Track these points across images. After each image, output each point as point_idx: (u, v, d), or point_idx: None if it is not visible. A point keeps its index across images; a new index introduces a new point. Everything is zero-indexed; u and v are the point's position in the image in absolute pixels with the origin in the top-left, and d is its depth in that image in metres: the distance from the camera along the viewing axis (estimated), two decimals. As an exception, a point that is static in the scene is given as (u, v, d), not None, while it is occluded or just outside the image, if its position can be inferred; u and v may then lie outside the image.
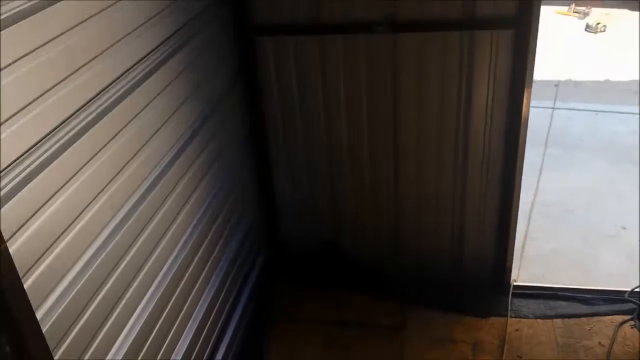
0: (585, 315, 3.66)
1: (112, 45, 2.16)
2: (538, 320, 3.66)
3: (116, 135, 2.21)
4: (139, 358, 2.41)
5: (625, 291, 3.74)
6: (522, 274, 4.10)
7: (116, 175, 2.23)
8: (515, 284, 3.90)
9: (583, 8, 9.18)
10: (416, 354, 3.50)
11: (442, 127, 3.48)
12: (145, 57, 2.39)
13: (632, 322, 3.58)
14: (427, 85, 3.36)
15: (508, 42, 3.16)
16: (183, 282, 2.80)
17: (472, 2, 3.09)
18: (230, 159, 3.39)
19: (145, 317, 2.45)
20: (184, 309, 2.84)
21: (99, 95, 2.10)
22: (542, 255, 4.33)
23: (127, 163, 2.30)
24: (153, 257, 2.51)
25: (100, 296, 2.14)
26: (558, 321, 3.65)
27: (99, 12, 2.06)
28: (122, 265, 2.28)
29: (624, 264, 4.20)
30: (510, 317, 3.69)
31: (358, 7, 3.20)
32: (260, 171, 3.84)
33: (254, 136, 3.71)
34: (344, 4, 3.21)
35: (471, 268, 3.91)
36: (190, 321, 2.93)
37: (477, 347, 3.51)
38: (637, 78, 7.05)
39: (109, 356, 2.21)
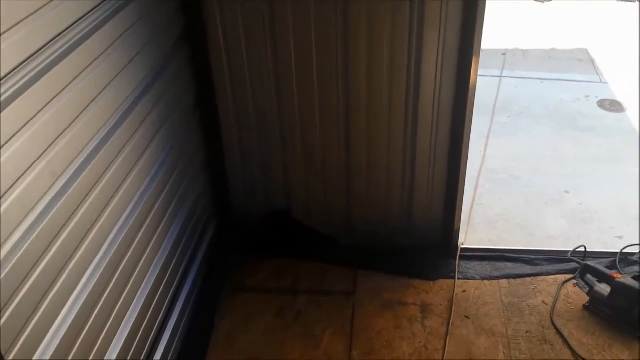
0: (530, 276, 3.78)
1: (48, 2, 2.04)
2: (484, 281, 3.76)
3: (54, 97, 2.10)
4: (85, 329, 2.35)
5: (568, 251, 3.89)
6: (470, 238, 4.21)
7: (55, 140, 2.13)
8: (462, 247, 3.99)
9: (530, -23, 9.31)
10: (367, 317, 3.56)
11: (392, 94, 3.48)
12: (84, 16, 2.27)
13: (574, 281, 3.73)
14: (378, 51, 3.34)
15: (457, 9, 3.16)
16: (130, 252, 2.74)
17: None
18: (178, 125, 3.31)
19: (91, 288, 2.38)
20: (132, 280, 2.78)
21: (34, 56, 1.98)
22: (488, 220, 4.45)
23: (67, 128, 2.19)
24: (97, 227, 2.43)
25: (39, 269, 2.06)
26: (504, 282, 3.76)
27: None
28: (64, 236, 2.20)
29: (567, 226, 4.37)
30: (458, 279, 3.78)
31: (307, -30, 3.14)
32: (209, 138, 3.77)
33: (202, 102, 3.63)
34: (293, -34, 3.14)
35: (421, 233, 3.97)
36: (140, 291, 2.88)
37: (425, 309, 3.60)
38: (582, 46, 7.25)
39: (51, 332, 2.14)
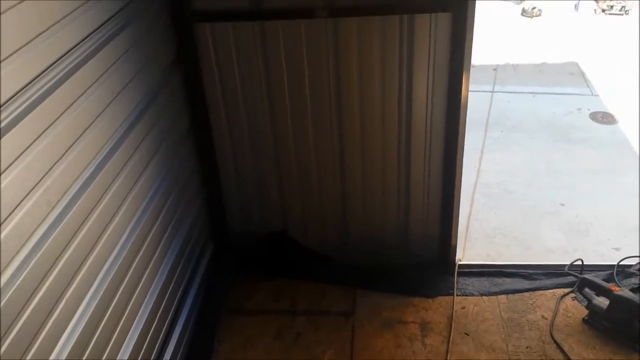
0: (528, 290, 3.78)
1: (43, 32, 2.06)
2: (483, 297, 3.76)
3: (49, 126, 2.11)
4: (86, 353, 2.34)
5: (565, 265, 3.88)
6: (467, 253, 4.21)
7: (51, 168, 2.14)
8: (460, 263, 3.99)
9: (519, -7, 9.44)
10: (367, 337, 3.54)
11: (384, 111, 3.50)
12: (77, 45, 2.29)
13: (572, 295, 3.73)
14: (369, 70, 3.37)
15: (446, 26, 3.19)
16: (127, 278, 2.73)
17: (410, -14, 3.12)
18: (173, 149, 3.31)
19: (89, 315, 2.37)
20: (130, 305, 2.77)
21: (29, 86, 2.00)
22: (486, 234, 4.46)
23: (62, 156, 2.20)
24: (93, 254, 2.43)
25: (38, 296, 2.06)
26: (502, 297, 3.76)
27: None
28: (61, 264, 2.19)
29: (563, 239, 4.38)
30: (457, 295, 3.78)
31: (297, -8, 3.18)
32: (204, 161, 3.77)
33: (197, 126, 3.64)
34: (284, -11, 3.18)
35: (418, 250, 3.97)
36: (138, 316, 2.86)
37: (425, 327, 3.58)
38: (572, 60, 7.32)
39: (52, 356, 2.13)
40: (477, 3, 3.14)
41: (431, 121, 3.53)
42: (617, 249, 4.20)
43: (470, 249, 4.28)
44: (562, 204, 4.75)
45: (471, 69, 3.37)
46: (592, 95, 6.52)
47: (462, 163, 3.64)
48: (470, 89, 3.41)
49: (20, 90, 1.96)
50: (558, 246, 4.31)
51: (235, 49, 3.38)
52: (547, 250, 4.28)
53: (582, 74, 7.03)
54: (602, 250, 4.24)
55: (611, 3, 8.83)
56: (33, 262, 2.02)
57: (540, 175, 5.15)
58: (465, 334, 3.52)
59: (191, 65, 3.44)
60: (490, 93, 6.55)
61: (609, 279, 3.71)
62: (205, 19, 3.29)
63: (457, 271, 3.93)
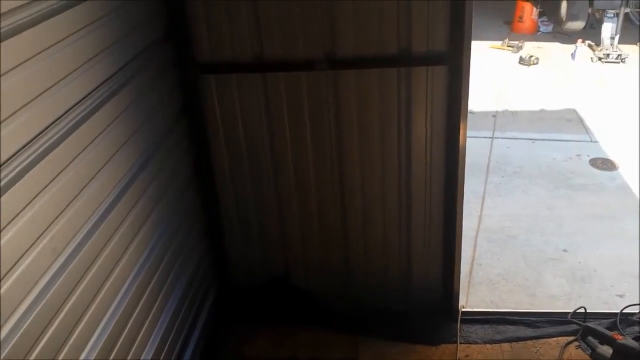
0: (532, 338, 3.75)
1: (50, 88, 2.13)
2: (487, 345, 3.73)
3: (55, 177, 2.17)
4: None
5: (568, 312, 3.86)
6: (471, 299, 4.19)
7: (56, 218, 2.18)
8: (463, 310, 3.97)
9: (516, 42, 9.64)
10: (370, 386, 3.50)
11: (384, 160, 3.57)
12: (84, 99, 2.37)
13: (576, 343, 3.70)
14: (368, 121, 3.46)
15: (442, 77, 3.29)
16: (128, 325, 2.73)
17: (407, 41, 3.21)
18: (175, 197, 3.36)
19: (90, 364, 2.38)
20: (130, 355, 2.76)
21: (36, 138, 2.06)
22: (489, 280, 4.44)
23: (67, 206, 2.25)
24: (96, 302, 2.45)
25: (40, 345, 2.07)
26: (506, 345, 3.72)
27: (36, 54, 2.04)
28: (64, 312, 2.21)
29: (567, 285, 4.36)
30: (460, 343, 3.75)
31: (299, 45, 3.28)
32: (207, 209, 3.82)
33: (200, 174, 3.70)
34: (285, 42, 3.28)
35: (421, 296, 3.96)
36: (139, 365, 2.86)
37: (429, 375, 3.55)
38: (570, 107, 7.42)
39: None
40: (475, 52, 3.25)
41: (430, 168, 3.59)
42: (620, 296, 4.18)
43: (474, 295, 4.27)
44: (565, 250, 4.75)
45: (471, 115, 3.45)
46: (591, 141, 6.59)
47: (462, 208, 3.68)
48: (470, 134, 3.49)
49: (27, 144, 2.01)
50: (562, 293, 4.29)
51: (239, 100, 3.47)
52: (551, 296, 4.26)
53: (581, 121, 7.12)
54: (605, 297, 4.21)
55: (607, 51, 9.00)
56: (38, 309, 2.04)
57: (542, 221, 5.16)
58: (469, 382, 3.49)
59: (196, 115, 3.53)
60: (490, 139, 6.63)
61: (612, 327, 3.68)
62: (210, 71, 3.40)
63: (461, 318, 3.90)
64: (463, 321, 3.89)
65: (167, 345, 3.19)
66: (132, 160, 2.82)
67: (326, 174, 3.65)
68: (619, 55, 8.94)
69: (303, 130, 3.52)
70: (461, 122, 3.37)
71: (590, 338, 3.54)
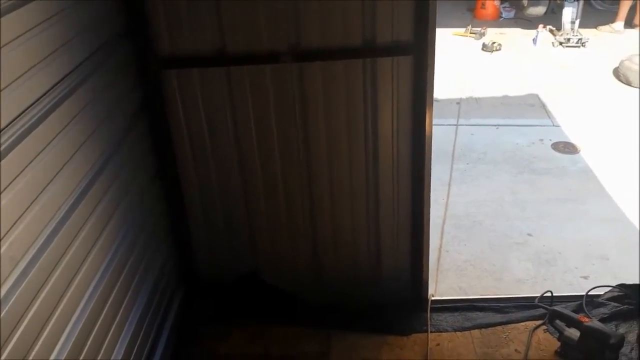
0: (500, 324, 3.80)
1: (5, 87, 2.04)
2: (457, 332, 3.76)
3: (11, 182, 2.08)
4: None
5: (535, 297, 3.92)
6: (440, 286, 4.23)
7: (14, 224, 2.10)
8: (433, 298, 4.00)
9: (479, 29, 9.71)
10: (343, 378, 3.51)
11: (351, 150, 3.55)
12: (38, 100, 2.27)
13: (544, 327, 3.76)
14: (335, 113, 3.43)
15: (408, 67, 3.28)
16: (94, 331, 2.66)
17: (371, 32, 3.19)
18: (138, 197, 3.28)
19: (55, 373, 2.31)
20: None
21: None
22: (456, 267, 4.49)
23: (25, 211, 2.17)
24: (59, 310, 2.37)
25: (6, 353, 2.00)
26: (476, 332, 3.77)
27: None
28: (25, 322, 2.13)
29: (532, 269, 4.44)
30: (431, 332, 3.77)
31: (262, 38, 3.22)
32: (171, 206, 3.75)
33: (164, 172, 3.62)
34: (248, 35, 3.22)
35: (390, 288, 3.97)
36: (106, 371, 2.79)
37: (401, 365, 3.57)
38: (532, 92, 7.53)
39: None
40: (439, 39, 3.25)
41: (397, 156, 3.59)
42: (585, 277, 4.28)
43: (442, 282, 4.31)
44: (530, 234, 4.83)
45: (436, 103, 3.45)
46: (554, 125, 6.71)
47: (429, 197, 3.69)
48: (435, 122, 3.49)
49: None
50: (527, 276, 4.36)
51: (201, 94, 3.40)
52: (517, 280, 4.33)
53: (543, 105, 7.23)
54: (570, 278, 4.30)
55: (568, 36, 9.14)
56: (-4, 321, 1.97)
57: (507, 206, 5.24)
58: (441, 371, 3.52)
59: (157, 112, 3.44)
60: (455, 126, 6.69)
61: (578, 310, 3.76)
62: (171, 66, 3.31)
63: (430, 307, 3.93)
64: (433, 310, 3.93)
65: (136, 346, 3.13)
66: (92, 161, 2.73)
67: (293, 168, 3.61)
68: (579, 39, 9.09)
69: (269, 124, 3.47)
70: (427, 111, 3.37)
71: (557, 321, 3.60)
